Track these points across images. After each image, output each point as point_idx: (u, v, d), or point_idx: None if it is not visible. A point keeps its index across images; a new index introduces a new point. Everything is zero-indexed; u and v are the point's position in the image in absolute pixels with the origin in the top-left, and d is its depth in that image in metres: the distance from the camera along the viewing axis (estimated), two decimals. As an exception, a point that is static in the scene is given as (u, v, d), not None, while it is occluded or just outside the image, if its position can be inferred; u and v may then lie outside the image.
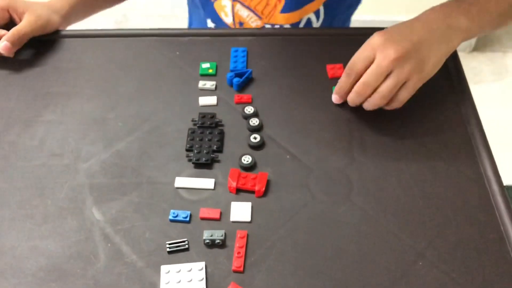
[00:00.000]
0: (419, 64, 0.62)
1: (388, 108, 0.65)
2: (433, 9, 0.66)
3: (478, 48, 2.02)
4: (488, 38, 2.04)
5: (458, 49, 0.70)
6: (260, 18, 0.85)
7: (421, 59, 0.62)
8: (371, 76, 0.62)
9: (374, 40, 0.63)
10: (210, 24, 0.91)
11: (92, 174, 0.62)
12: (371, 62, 0.62)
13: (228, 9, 0.86)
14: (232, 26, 0.88)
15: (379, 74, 0.61)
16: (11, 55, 0.75)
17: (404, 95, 0.63)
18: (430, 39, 0.63)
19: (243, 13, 0.85)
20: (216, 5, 0.87)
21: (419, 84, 0.64)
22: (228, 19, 0.88)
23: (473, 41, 1.98)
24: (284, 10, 0.83)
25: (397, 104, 0.64)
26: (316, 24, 0.87)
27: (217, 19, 0.89)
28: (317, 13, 0.85)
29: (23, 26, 0.75)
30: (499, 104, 1.83)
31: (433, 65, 0.63)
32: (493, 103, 1.83)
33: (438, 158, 0.64)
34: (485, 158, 0.63)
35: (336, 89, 0.68)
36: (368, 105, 0.65)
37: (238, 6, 0.84)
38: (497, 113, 1.79)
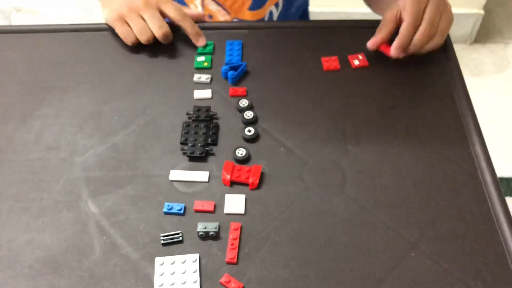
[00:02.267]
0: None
1: (430, 47, 0.71)
2: None
3: (479, 40, 2.01)
4: (490, 30, 2.03)
5: (458, 41, 0.72)
6: (228, 13, 0.89)
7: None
8: (434, 15, 0.69)
9: None
10: None
11: (88, 167, 0.63)
12: None
13: (198, 1, 0.89)
14: None
15: (438, 12, 0.69)
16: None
17: (445, 24, 0.71)
18: None
19: (213, 7, 0.88)
20: None
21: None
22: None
23: (474, 33, 1.97)
24: (251, 8, 0.87)
25: (440, 37, 0.71)
26: (276, 13, 0.91)
27: None
28: (276, 5, 0.90)
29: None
30: (500, 96, 1.83)
31: None
32: (494, 95, 1.82)
33: (432, 150, 0.64)
34: (479, 149, 0.63)
35: (398, 42, 0.70)
36: (431, 44, 0.70)
37: (208, 0, 0.88)
38: (498, 105, 1.78)
